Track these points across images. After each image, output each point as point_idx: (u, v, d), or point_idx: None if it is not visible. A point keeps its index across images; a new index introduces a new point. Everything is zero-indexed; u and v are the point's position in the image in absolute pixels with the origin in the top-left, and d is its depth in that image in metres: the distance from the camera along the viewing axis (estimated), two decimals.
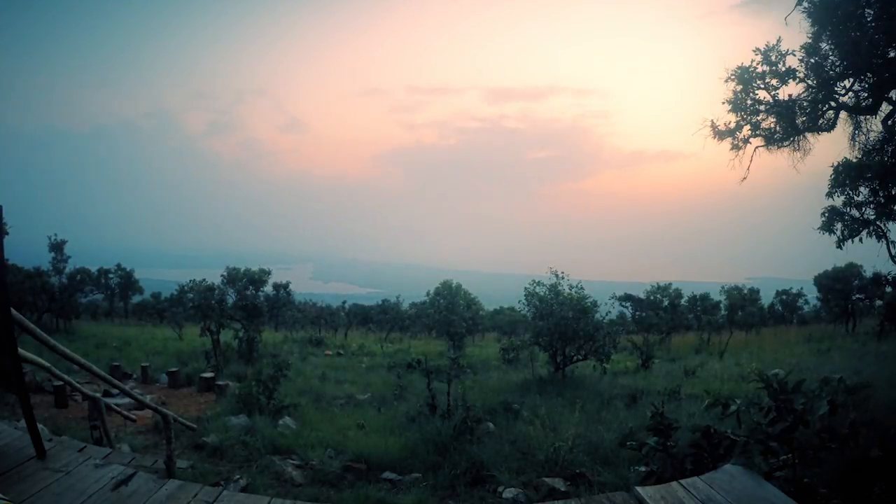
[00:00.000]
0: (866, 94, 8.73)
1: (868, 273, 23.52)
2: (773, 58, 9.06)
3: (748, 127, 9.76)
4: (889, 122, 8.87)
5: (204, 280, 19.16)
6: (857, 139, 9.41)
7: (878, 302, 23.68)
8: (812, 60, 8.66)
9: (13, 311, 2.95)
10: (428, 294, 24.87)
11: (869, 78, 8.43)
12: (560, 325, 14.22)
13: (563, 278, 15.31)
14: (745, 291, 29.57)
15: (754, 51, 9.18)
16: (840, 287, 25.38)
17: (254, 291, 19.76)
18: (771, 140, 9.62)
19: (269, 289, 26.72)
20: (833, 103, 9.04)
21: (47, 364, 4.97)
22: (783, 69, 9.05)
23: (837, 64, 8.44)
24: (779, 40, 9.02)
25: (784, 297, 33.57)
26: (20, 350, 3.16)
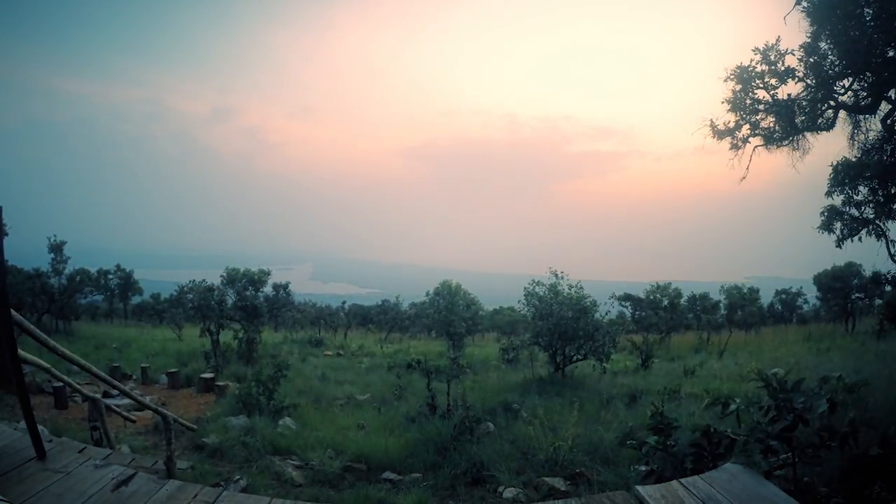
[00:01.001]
0: (865, 94, 8.74)
1: (867, 272, 23.56)
2: (772, 57, 9.07)
3: (747, 126, 9.76)
4: (888, 121, 8.87)
5: (203, 281, 19.14)
6: (857, 138, 9.43)
7: (878, 301, 23.72)
8: (811, 60, 8.66)
9: (13, 312, 2.95)
10: (427, 294, 24.85)
11: (868, 77, 8.44)
12: (560, 324, 14.21)
13: (562, 278, 15.31)
14: (745, 291, 29.57)
15: (753, 50, 9.19)
16: (839, 286, 25.39)
17: (253, 292, 19.75)
18: (770, 139, 9.62)
19: (268, 289, 26.71)
20: (832, 102, 9.05)
21: (47, 365, 4.97)
22: (782, 68, 9.06)
23: (836, 63, 8.45)
24: (778, 39, 9.03)
25: (783, 296, 33.61)
26: (20, 351, 3.15)
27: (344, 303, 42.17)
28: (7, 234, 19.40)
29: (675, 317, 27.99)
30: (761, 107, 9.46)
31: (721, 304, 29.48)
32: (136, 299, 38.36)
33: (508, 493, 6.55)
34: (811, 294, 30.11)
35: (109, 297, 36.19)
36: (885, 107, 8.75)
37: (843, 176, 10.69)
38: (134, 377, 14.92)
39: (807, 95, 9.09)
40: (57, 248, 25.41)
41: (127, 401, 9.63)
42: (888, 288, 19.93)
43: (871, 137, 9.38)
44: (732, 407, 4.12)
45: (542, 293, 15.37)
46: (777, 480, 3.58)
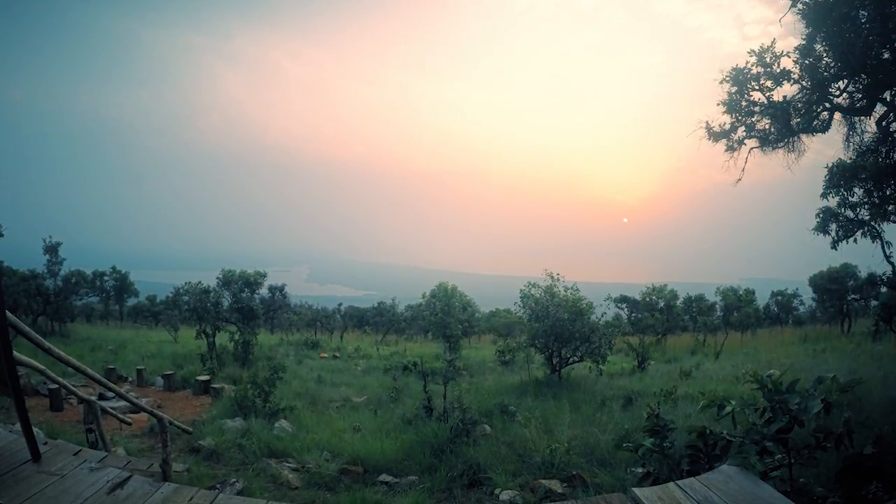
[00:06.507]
0: (860, 96, 8.77)
1: (863, 274, 23.63)
2: (767, 59, 9.10)
3: (743, 128, 9.79)
4: (883, 123, 8.91)
5: (199, 282, 19.11)
6: (852, 140, 9.46)
7: (874, 302, 23.79)
8: (806, 62, 8.69)
9: (8, 313, 2.93)
10: (424, 296, 24.81)
11: (863, 79, 8.47)
12: (556, 326, 14.22)
13: (558, 280, 15.32)
14: (741, 292, 29.62)
15: (749, 52, 9.23)
16: (835, 288, 25.45)
17: (249, 294, 19.72)
18: (766, 141, 9.65)
19: (264, 291, 26.61)
20: (827, 104, 9.08)
21: (42, 367, 4.95)
22: (778, 70, 9.08)
23: (832, 65, 8.48)
24: (773, 42, 9.06)
25: (779, 297, 33.66)
26: (15, 353, 3.14)
27: (340, 305, 42.17)
28: (2, 236, 19.34)
29: (671, 318, 28.05)
30: (757, 109, 9.49)
31: (717, 306, 29.53)
32: (131, 301, 38.22)
33: (505, 495, 6.55)
34: (807, 296, 30.18)
35: (105, 299, 36.08)
36: (879, 109, 8.78)
37: (839, 178, 10.74)
38: (129, 379, 14.88)
39: (802, 97, 9.13)
40: (52, 250, 25.32)
41: (122, 403, 9.61)
42: (884, 289, 19.99)
43: (866, 139, 9.42)
44: (728, 409, 4.12)
45: (538, 295, 15.38)
46: (773, 482, 3.57)
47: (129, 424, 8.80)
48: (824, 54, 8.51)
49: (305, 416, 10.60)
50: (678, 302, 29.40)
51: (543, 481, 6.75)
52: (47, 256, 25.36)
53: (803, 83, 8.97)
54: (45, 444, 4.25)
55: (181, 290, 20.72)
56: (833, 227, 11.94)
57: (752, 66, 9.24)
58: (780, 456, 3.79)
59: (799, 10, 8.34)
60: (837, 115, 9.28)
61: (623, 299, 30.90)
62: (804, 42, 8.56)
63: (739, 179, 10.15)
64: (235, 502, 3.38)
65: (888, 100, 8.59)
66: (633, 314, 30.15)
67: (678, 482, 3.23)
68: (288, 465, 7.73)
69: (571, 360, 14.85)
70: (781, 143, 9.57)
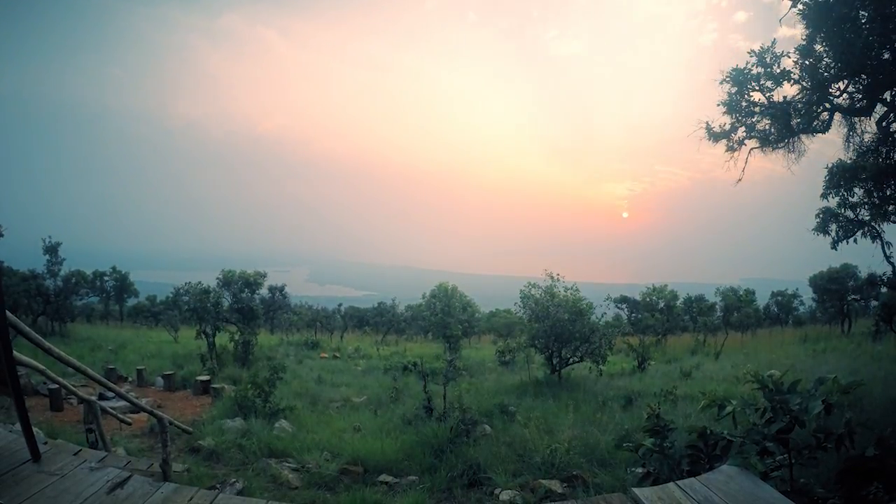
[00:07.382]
0: (861, 96, 8.76)
1: (863, 274, 23.63)
2: (767, 59, 9.08)
3: (743, 129, 9.78)
4: (883, 124, 8.90)
5: (199, 283, 19.11)
6: (852, 140, 9.45)
7: (874, 303, 23.79)
8: (807, 62, 8.68)
9: (8, 313, 2.93)
10: (424, 296, 24.81)
11: (863, 79, 8.46)
12: (556, 327, 14.22)
13: (558, 280, 15.32)
14: (741, 293, 29.61)
15: (749, 52, 9.21)
16: (835, 288, 25.44)
17: (249, 294, 19.72)
18: (766, 142, 9.63)
19: (264, 292, 26.59)
20: (827, 105, 9.07)
21: (42, 367, 4.94)
22: (778, 71, 9.07)
23: (832, 65, 8.46)
24: (773, 42, 9.05)
25: (779, 298, 33.65)
26: (15, 353, 3.14)
27: (340, 305, 42.17)
28: (2, 236, 19.35)
29: (671, 319, 28.04)
30: (757, 109, 9.48)
31: (717, 306, 29.53)
32: (131, 301, 38.22)
33: (505, 495, 6.54)
34: (807, 296, 30.18)
35: (105, 299, 36.08)
36: (880, 109, 8.77)
37: (839, 178, 10.74)
38: (130, 379, 14.88)
39: (802, 98, 9.11)
40: (52, 250, 25.30)
41: (122, 403, 9.60)
42: (884, 289, 19.99)
43: (866, 140, 9.41)
44: (728, 409, 4.11)
45: (538, 295, 15.39)
46: (773, 482, 3.57)
47: (129, 424, 8.79)
48: (824, 54, 8.49)
49: (305, 416, 10.60)
50: (678, 302, 29.40)
51: (543, 481, 6.75)
52: (47, 256, 25.33)
53: (803, 83, 8.95)
54: (45, 444, 4.25)
55: (181, 291, 20.72)
56: (833, 227, 11.95)
57: (752, 66, 9.23)
58: (780, 456, 3.79)
59: (799, 10, 8.33)
60: (837, 116, 9.26)
61: (623, 300, 30.88)
62: (804, 42, 8.55)
63: (740, 180, 10.15)
64: (235, 502, 3.38)
65: (888, 100, 8.58)
66: (633, 314, 30.13)
67: (678, 482, 3.23)
68: (288, 465, 7.73)
69: (571, 360, 14.86)
70: (781, 144, 9.56)
